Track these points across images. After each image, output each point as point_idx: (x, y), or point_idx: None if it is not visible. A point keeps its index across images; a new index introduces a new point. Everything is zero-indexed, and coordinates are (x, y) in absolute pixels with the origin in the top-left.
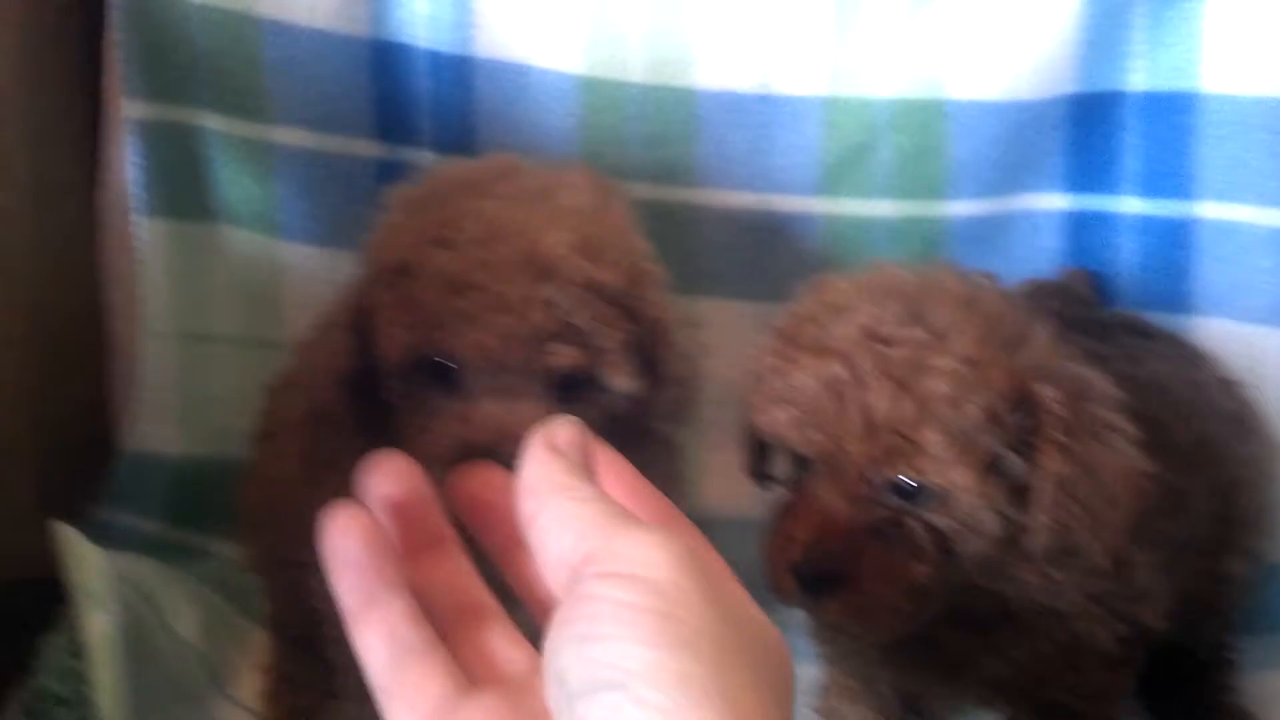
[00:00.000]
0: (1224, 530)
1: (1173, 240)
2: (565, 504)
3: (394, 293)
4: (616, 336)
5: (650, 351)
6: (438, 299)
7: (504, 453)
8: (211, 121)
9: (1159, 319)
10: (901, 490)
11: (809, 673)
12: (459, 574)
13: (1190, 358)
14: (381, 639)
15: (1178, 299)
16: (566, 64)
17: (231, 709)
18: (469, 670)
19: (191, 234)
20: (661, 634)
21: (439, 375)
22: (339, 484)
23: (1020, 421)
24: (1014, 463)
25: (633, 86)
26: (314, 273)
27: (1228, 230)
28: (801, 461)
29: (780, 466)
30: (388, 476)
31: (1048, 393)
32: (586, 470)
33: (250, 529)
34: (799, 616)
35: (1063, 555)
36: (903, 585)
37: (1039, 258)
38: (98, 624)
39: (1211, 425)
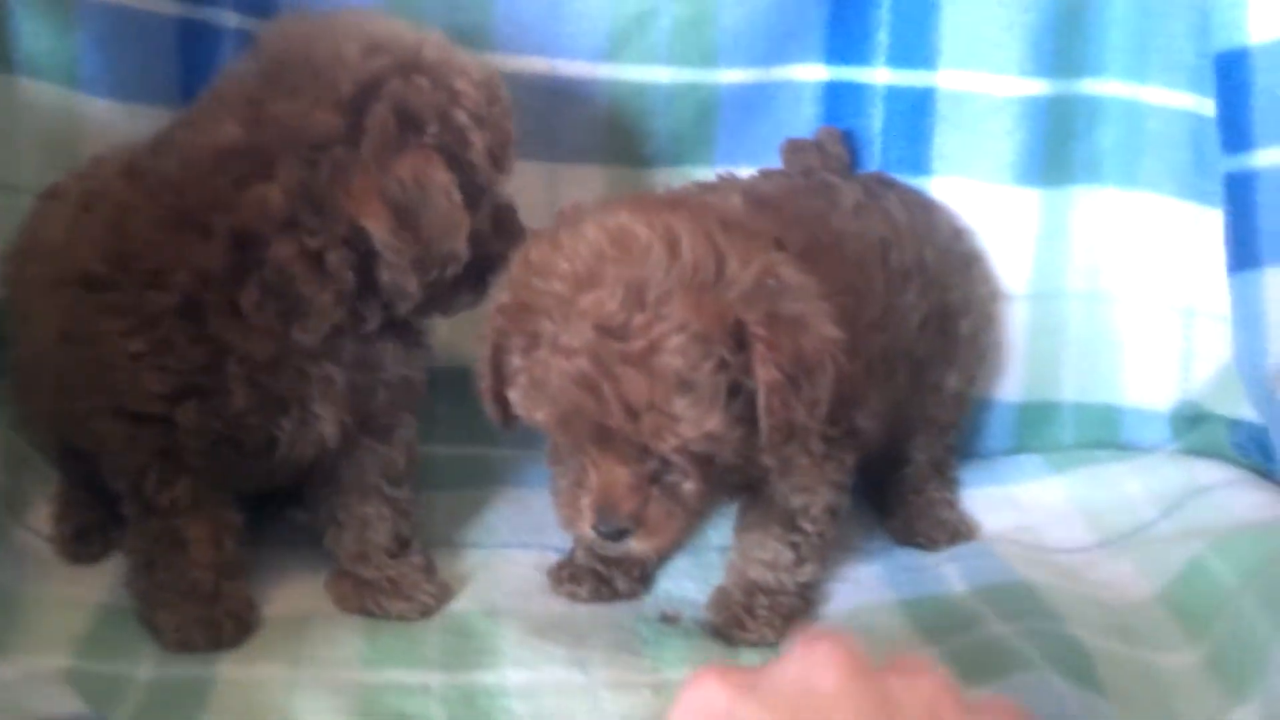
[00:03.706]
0: (943, 346)
1: (916, 107)
2: None
3: None
4: None
5: None
6: None
7: None
8: None
9: (905, 180)
10: None
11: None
12: None
13: (926, 205)
14: None
15: (919, 161)
16: None
17: (26, 536)
18: None
19: None
20: None
21: None
22: (105, 339)
23: (740, 350)
24: (749, 383)
25: None
26: (113, 126)
27: (964, 98)
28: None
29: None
30: None
31: (750, 317)
32: None
33: (14, 392)
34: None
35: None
36: (685, 509)
37: (800, 124)
38: None
39: (935, 255)
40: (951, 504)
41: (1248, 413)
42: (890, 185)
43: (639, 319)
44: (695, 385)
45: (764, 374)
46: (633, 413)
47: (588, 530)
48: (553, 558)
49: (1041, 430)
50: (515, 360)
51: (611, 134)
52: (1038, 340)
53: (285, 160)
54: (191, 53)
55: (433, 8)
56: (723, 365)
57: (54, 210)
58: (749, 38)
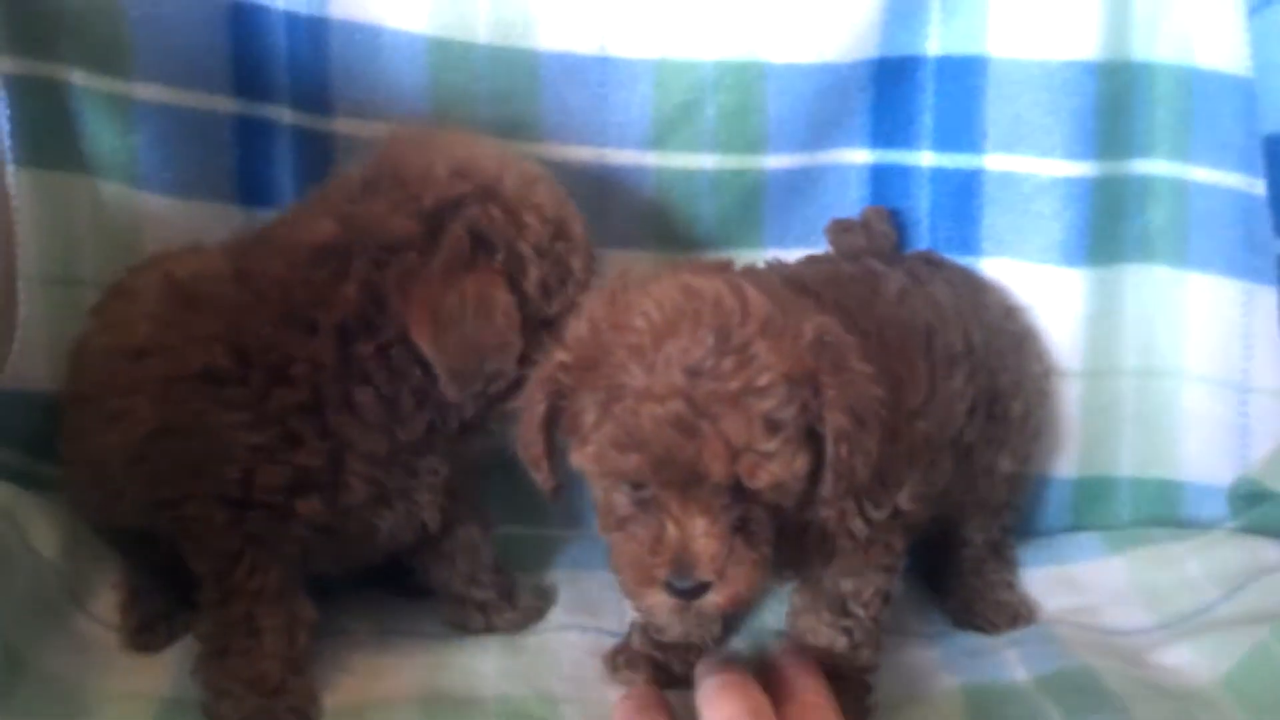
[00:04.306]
0: (994, 430)
1: (963, 189)
2: None
3: None
4: None
5: None
6: None
7: None
8: (76, 76)
9: (954, 260)
10: (743, 488)
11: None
12: None
13: (975, 285)
14: None
15: (967, 242)
16: (416, 25)
17: (89, 624)
18: None
19: (60, 183)
20: None
21: None
22: (222, 431)
23: (815, 396)
24: (818, 429)
25: (479, 47)
26: (173, 222)
27: (1010, 180)
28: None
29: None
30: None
31: (820, 366)
32: None
33: (80, 487)
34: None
35: (851, 486)
36: (762, 559)
37: (847, 206)
38: None
39: (985, 336)
40: (1011, 585)
41: None
42: (938, 265)
43: (728, 362)
44: (784, 425)
45: (833, 420)
46: (733, 452)
47: (659, 596)
48: (608, 642)
49: (1099, 507)
50: (589, 417)
51: (659, 219)
52: (1092, 417)
53: (359, 257)
54: (248, 149)
55: (483, 100)
56: (804, 408)
57: (129, 310)
58: (794, 125)
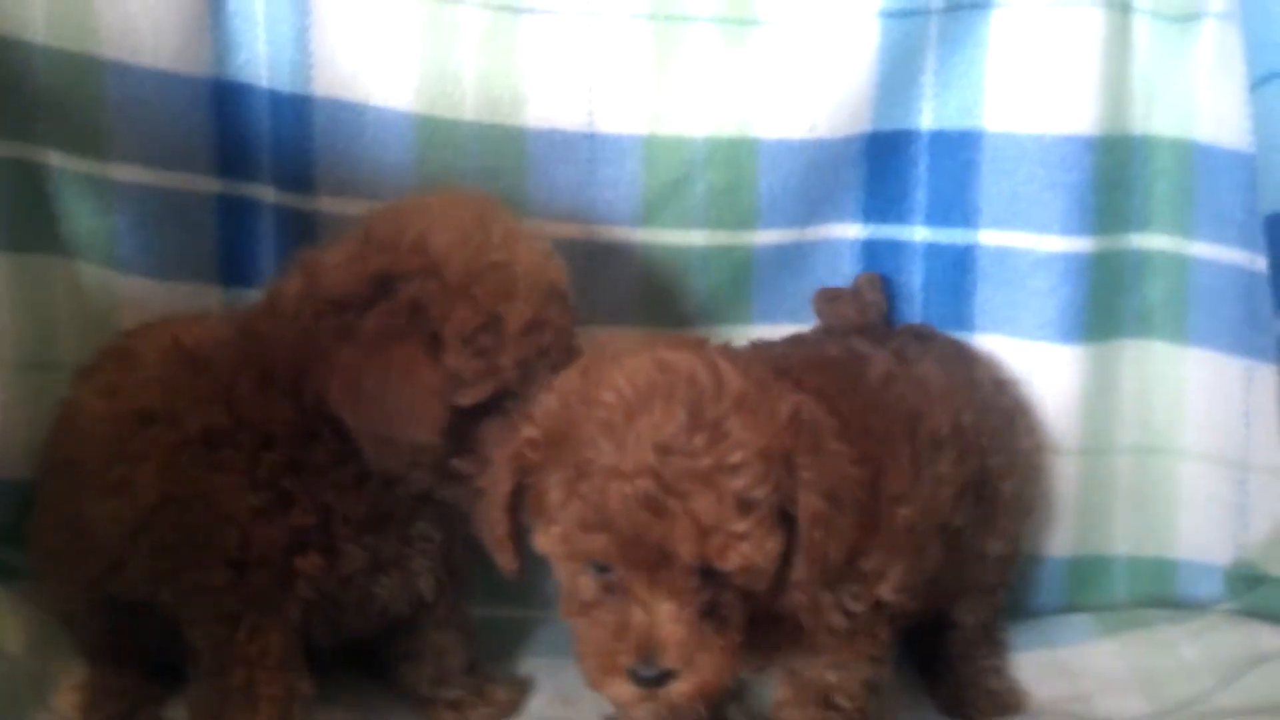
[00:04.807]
0: (983, 513)
1: (956, 265)
2: None
3: None
4: None
5: None
6: None
7: None
8: (54, 159)
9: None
10: (713, 570)
11: None
12: None
13: (966, 359)
14: None
15: (961, 318)
16: (402, 102)
17: None
18: None
19: (37, 266)
20: None
21: None
22: (221, 494)
23: (788, 477)
24: (790, 511)
25: (466, 124)
26: (152, 304)
27: (1005, 255)
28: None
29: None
30: None
31: (796, 446)
32: None
33: (62, 561)
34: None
35: (824, 570)
36: (732, 646)
37: (839, 280)
38: None
39: (974, 417)
40: (999, 672)
41: None
42: (929, 340)
43: (700, 439)
44: (757, 505)
45: (808, 503)
46: (703, 532)
47: (623, 685)
48: None
49: (1093, 586)
50: (555, 495)
51: (648, 295)
52: (1087, 495)
53: (307, 309)
54: (230, 229)
55: (470, 177)
56: (777, 488)
57: (133, 375)
58: (785, 200)
